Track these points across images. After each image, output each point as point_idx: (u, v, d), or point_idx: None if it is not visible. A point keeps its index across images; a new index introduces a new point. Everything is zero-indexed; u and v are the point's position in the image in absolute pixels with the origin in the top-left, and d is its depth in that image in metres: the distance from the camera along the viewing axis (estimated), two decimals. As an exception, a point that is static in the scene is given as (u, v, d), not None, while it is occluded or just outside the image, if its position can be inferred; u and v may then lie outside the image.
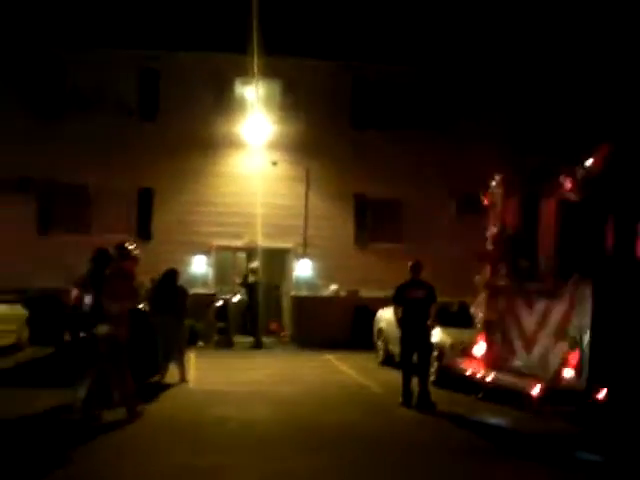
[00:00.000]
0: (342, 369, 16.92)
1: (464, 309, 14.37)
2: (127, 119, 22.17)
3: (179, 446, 9.05)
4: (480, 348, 11.87)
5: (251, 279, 21.64)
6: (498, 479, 7.98)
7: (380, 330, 17.62)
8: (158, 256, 18.62)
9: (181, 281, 15.29)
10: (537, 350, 10.24)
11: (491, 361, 11.49)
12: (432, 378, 13.29)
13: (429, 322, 12.40)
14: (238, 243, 22.32)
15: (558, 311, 9.69)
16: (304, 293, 22.58)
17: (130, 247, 10.81)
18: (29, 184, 21.48)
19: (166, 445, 9.11)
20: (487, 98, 22.45)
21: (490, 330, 11.70)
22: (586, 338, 8.97)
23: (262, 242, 21.57)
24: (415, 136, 22.64)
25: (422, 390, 12.15)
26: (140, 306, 13.61)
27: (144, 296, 14.67)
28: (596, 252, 9.09)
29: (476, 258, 12.25)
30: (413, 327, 12.31)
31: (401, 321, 12.54)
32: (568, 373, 9.23)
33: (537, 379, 9.66)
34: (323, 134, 22.24)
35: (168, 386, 13.52)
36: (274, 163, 22.36)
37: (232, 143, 22.43)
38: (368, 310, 19.76)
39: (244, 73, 21.46)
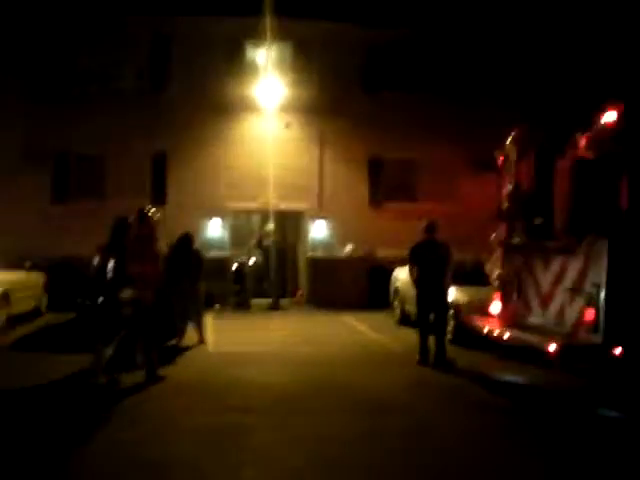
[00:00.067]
0: (360, 329, 17.01)
1: (479, 267, 14.36)
2: (140, 85, 22.14)
3: (199, 407, 9.18)
4: (496, 306, 11.90)
5: (266, 241, 21.73)
6: (516, 436, 8.03)
7: (396, 290, 17.70)
8: (173, 220, 18.61)
9: (196, 245, 15.37)
10: (553, 307, 10.25)
11: (507, 319, 11.52)
12: (449, 337, 13.37)
13: (445, 281, 12.45)
14: (253, 206, 22.34)
15: (574, 268, 9.68)
16: (319, 254, 22.65)
17: (150, 211, 10.93)
18: (44, 153, 21.56)
19: (186, 407, 9.23)
20: (500, 58, 22.23)
21: (506, 288, 11.72)
22: (602, 294, 8.98)
23: (277, 204, 21.61)
24: (429, 96, 22.53)
25: (439, 348, 12.23)
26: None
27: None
28: (611, 210, 9.07)
29: (491, 216, 12.24)
30: (429, 287, 12.35)
31: (417, 281, 12.58)
32: (584, 329, 9.26)
33: (553, 336, 9.68)
34: (336, 96, 22.17)
35: (186, 349, 13.66)
36: (287, 125, 22.34)
37: (245, 106, 22.38)
38: (383, 270, 19.82)
39: (256, 36, 21.39)
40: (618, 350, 8.72)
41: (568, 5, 21.01)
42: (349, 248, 22.37)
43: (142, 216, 10.84)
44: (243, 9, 20.22)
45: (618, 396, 9.35)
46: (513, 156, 11.67)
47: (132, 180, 21.80)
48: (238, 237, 23.21)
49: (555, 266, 10.25)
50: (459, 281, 13.79)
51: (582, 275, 9.48)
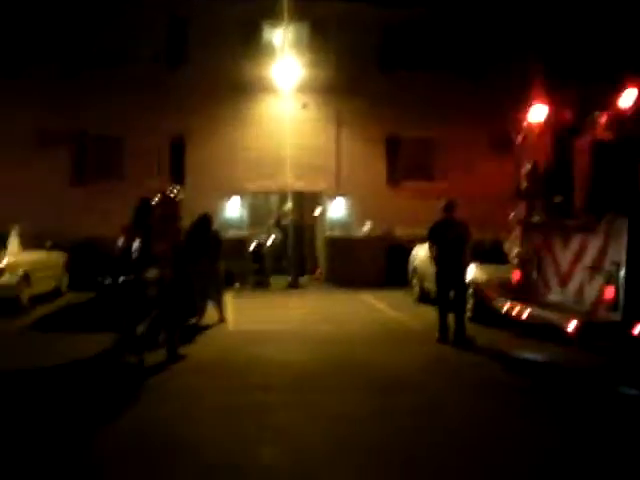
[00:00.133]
0: (378, 307, 17.06)
1: (498, 246, 14.34)
2: (157, 67, 22.17)
3: (220, 386, 9.27)
4: (515, 284, 11.91)
5: (285, 220, 21.81)
6: (534, 414, 8.05)
7: (415, 268, 17.71)
8: (191, 201, 18.61)
9: (215, 225, 15.44)
10: (572, 285, 10.25)
11: (526, 297, 11.52)
12: (468, 314, 13.39)
13: (464, 259, 12.46)
14: (271, 186, 22.39)
15: (593, 246, 9.68)
16: (337, 233, 22.70)
17: (174, 191, 11.03)
18: (62, 134, 21.67)
19: (207, 385, 9.32)
20: (518, 36, 22.06)
21: (525, 266, 11.72)
22: (622, 272, 8.97)
23: (294, 184, 21.65)
24: (446, 75, 22.47)
25: (458, 326, 12.27)
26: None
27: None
28: (631, 188, 9.05)
29: (510, 195, 12.22)
30: (448, 265, 12.36)
31: (436, 259, 12.60)
32: (604, 307, 9.26)
33: (573, 314, 9.69)
34: (353, 75, 22.17)
35: (206, 327, 13.73)
36: (304, 106, 22.36)
37: (262, 87, 22.41)
38: (402, 248, 19.84)
39: (272, 17, 21.43)
40: (638, 328, 8.73)
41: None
42: (367, 226, 22.40)
43: (166, 196, 10.94)
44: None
45: (638, 374, 9.35)
46: (532, 135, 11.64)
47: (150, 161, 21.94)
48: (256, 217, 23.31)
49: (574, 244, 10.25)
50: (478, 259, 13.81)
51: (601, 253, 9.47)
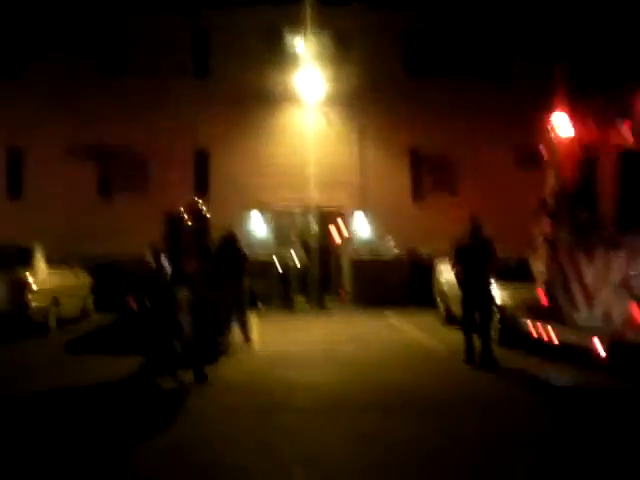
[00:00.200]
0: (404, 328, 17.00)
1: (523, 264, 14.21)
2: (181, 80, 22.30)
3: (246, 407, 9.22)
4: (541, 303, 11.80)
5: (309, 240, 21.80)
6: (561, 436, 7.95)
7: (440, 289, 17.60)
8: (215, 215, 18.79)
9: (240, 243, 15.40)
10: (600, 304, 10.15)
11: (553, 317, 11.41)
12: (495, 336, 13.26)
13: (489, 278, 12.34)
14: (295, 204, 22.39)
15: (620, 263, 9.58)
16: (362, 252, 22.65)
17: (202, 207, 10.90)
18: (89, 150, 21.84)
19: (233, 406, 9.28)
20: (547, 47, 21.95)
21: (551, 284, 11.63)
22: (650, 291, 8.88)
23: (318, 201, 21.65)
24: (470, 88, 22.41)
25: (484, 348, 12.13)
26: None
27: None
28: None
29: (535, 211, 12.14)
30: (474, 285, 12.25)
31: (461, 279, 12.50)
32: (632, 327, 9.13)
33: (600, 333, 9.57)
34: (376, 88, 22.16)
35: (232, 348, 13.64)
36: (327, 118, 22.36)
37: (285, 98, 22.54)
38: (426, 267, 19.74)
39: (295, 26, 21.55)
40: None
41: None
42: (390, 242, 22.32)
43: (195, 210, 10.82)
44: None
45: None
46: (558, 151, 11.57)
47: (175, 175, 22.03)
48: (280, 233, 23.27)
49: (601, 261, 10.14)
50: (503, 278, 13.64)
51: (628, 270, 9.36)
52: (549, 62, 21.40)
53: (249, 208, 22.43)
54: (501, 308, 13.72)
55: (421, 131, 22.42)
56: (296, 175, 21.91)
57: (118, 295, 15.54)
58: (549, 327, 11.07)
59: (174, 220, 10.84)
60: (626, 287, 9.39)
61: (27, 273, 15.56)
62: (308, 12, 20.56)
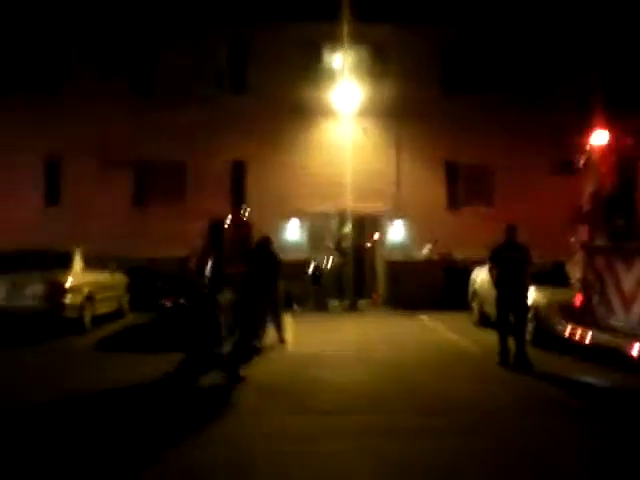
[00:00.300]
0: (437, 330, 17.00)
1: (559, 269, 14.19)
2: (219, 91, 22.49)
3: (280, 408, 9.30)
4: (577, 307, 11.79)
5: (344, 244, 21.88)
6: (595, 440, 7.94)
7: (475, 291, 17.60)
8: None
9: (275, 247, 15.51)
10: (636, 308, 10.14)
11: (589, 320, 11.41)
12: (529, 338, 13.23)
13: (525, 282, 12.36)
14: (330, 209, 22.47)
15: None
16: (397, 256, 22.68)
17: (246, 214, 11.04)
18: (125, 158, 22.10)
19: (267, 407, 9.36)
20: (579, 61, 21.89)
21: (587, 289, 11.62)
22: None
23: (354, 207, 21.74)
24: (506, 99, 22.39)
25: (519, 350, 12.14)
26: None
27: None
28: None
29: (571, 219, 12.14)
30: (509, 288, 12.28)
31: (497, 282, 12.53)
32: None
33: (637, 338, 9.56)
34: (412, 99, 22.18)
35: (266, 349, 13.77)
36: (364, 131, 22.45)
37: (322, 111, 22.58)
38: (461, 271, 19.75)
39: (332, 41, 21.73)
40: None
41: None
42: (427, 248, 22.39)
43: (239, 217, 10.96)
44: (319, 14, 20.41)
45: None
46: (594, 159, 11.57)
47: (212, 185, 22.25)
48: (316, 240, 23.39)
49: (637, 268, 10.13)
50: (538, 280, 13.64)
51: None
52: (584, 74, 21.48)
53: (285, 216, 22.52)
54: (535, 309, 13.72)
55: (457, 143, 22.40)
56: (333, 184, 21.94)
57: (152, 295, 15.76)
58: (584, 329, 11.05)
59: (217, 226, 11.02)
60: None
61: (63, 274, 15.86)
62: (345, 27, 20.65)
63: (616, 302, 10.72)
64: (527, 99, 22.37)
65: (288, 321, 16.85)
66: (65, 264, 16.25)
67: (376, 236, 23.27)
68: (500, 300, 12.46)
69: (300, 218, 22.84)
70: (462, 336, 15.58)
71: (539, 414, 9.06)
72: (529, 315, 13.34)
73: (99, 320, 16.86)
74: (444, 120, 22.12)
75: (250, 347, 12.84)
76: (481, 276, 16.31)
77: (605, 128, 11.72)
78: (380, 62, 22.67)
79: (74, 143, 21.71)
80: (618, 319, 10.65)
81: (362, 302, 22.07)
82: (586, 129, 12.04)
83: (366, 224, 23.56)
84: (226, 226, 10.98)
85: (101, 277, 17.46)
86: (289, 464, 7.01)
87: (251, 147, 22.29)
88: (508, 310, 12.35)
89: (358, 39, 21.46)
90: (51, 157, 22.30)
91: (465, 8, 21.59)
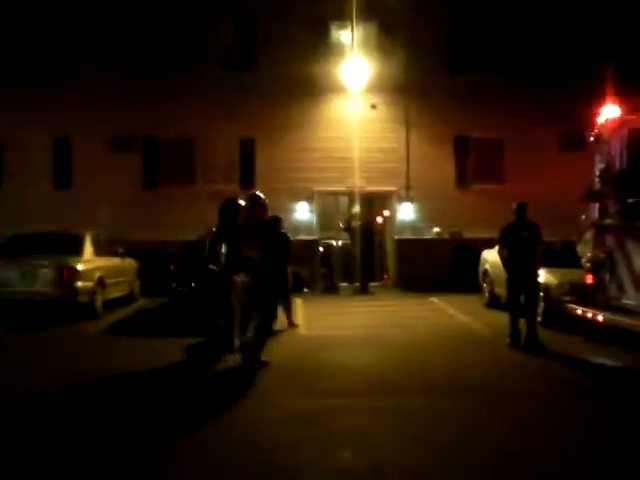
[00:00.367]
0: (448, 312, 16.97)
1: (569, 248, 14.13)
2: (226, 69, 22.41)
3: (291, 389, 9.35)
4: (588, 287, 11.76)
5: (354, 224, 21.82)
6: (607, 420, 7.93)
7: (485, 272, 17.57)
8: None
9: (284, 228, 15.48)
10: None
11: (600, 300, 11.37)
12: (539, 319, 13.20)
13: (535, 262, 12.31)
14: (340, 188, 22.40)
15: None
16: (407, 236, 22.65)
17: (261, 196, 11.00)
18: (134, 140, 22.07)
19: (278, 389, 9.41)
20: (588, 35, 21.67)
21: (598, 269, 11.58)
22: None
23: (364, 186, 21.68)
24: (516, 73, 22.21)
25: (530, 331, 12.12)
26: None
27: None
28: None
29: (583, 197, 12.07)
30: (519, 268, 12.22)
31: (507, 262, 12.47)
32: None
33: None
34: (421, 75, 22.02)
35: (277, 332, 13.68)
36: (373, 106, 22.36)
37: (331, 88, 22.43)
38: (471, 251, 19.68)
39: (340, 16, 21.57)
40: None
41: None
42: (436, 230, 22.36)
43: (254, 200, 10.92)
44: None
45: None
46: (606, 135, 11.48)
47: (220, 164, 22.29)
48: (325, 220, 23.35)
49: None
50: (549, 263, 13.58)
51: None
52: (595, 49, 21.28)
53: (294, 194, 22.45)
54: (546, 289, 13.68)
55: (466, 119, 22.20)
56: (342, 161, 21.86)
57: (164, 280, 15.78)
58: (595, 309, 11.02)
59: (230, 206, 10.95)
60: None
61: (75, 259, 15.91)
62: (353, 3, 20.58)
63: (627, 281, 10.68)
64: (537, 74, 22.15)
65: (298, 304, 16.88)
66: (76, 249, 16.30)
67: (386, 213, 23.24)
68: (511, 281, 12.40)
69: (309, 198, 22.73)
70: (473, 318, 15.56)
71: (551, 395, 9.06)
72: (540, 295, 13.32)
73: (110, 305, 16.90)
74: (453, 96, 21.94)
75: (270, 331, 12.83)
76: (491, 256, 16.25)
77: (616, 103, 11.64)
78: (388, 38, 22.48)
79: (83, 125, 21.66)
80: (629, 298, 10.61)
81: (372, 284, 22.03)
82: (597, 104, 11.96)
83: (375, 203, 23.51)
84: (240, 206, 10.90)
85: (112, 261, 17.47)
86: (303, 446, 7.02)
87: (260, 125, 22.16)
88: (519, 291, 12.30)
89: (366, 15, 21.34)
90: (60, 140, 22.24)
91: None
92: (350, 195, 22.37)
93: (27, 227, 17.12)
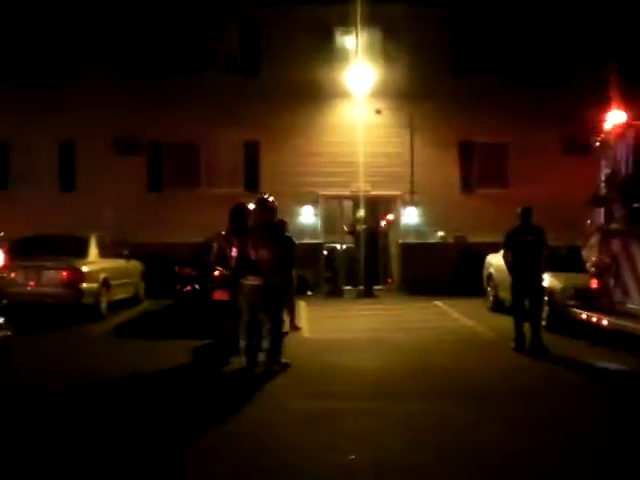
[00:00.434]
0: (452, 315, 16.97)
1: (574, 253, 14.13)
2: (231, 74, 22.44)
3: (296, 392, 9.38)
4: (593, 292, 11.75)
5: (358, 228, 21.83)
6: (611, 424, 7.93)
7: (490, 276, 17.56)
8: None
9: (289, 231, 15.48)
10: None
11: (604, 305, 11.37)
12: (544, 323, 13.20)
13: (540, 266, 12.30)
14: (345, 192, 22.43)
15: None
16: (411, 240, 22.65)
17: (270, 199, 11.02)
18: (139, 144, 22.11)
19: (283, 391, 9.44)
20: (592, 39, 21.66)
21: (603, 273, 11.58)
22: None
23: (368, 190, 21.69)
24: (519, 78, 22.21)
25: (534, 335, 12.11)
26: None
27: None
28: None
29: (589, 201, 12.07)
30: (524, 272, 12.23)
31: (512, 267, 12.47)
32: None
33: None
34: (425, 80, 22.02)
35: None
36: (378, 111, 22.36)
37: (335, 93, 22.44)
38: (475, 256, 19.67)
39: (344, 22, 21.57)
40: None
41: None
42: (440, 234, 22.36)
43: (263, 203, 10.93)
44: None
45: None
46: (611, 140, 11.49)
47: (225, 168, 22.32)
48: (330, 224, 23.34)
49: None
50: (554, 267, 13.57)
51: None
52: (599, 53, 21.24)
53: (299, 198, 22.45)
54: (550, 294, 13.67)
55: (470, 123, 22.18)
56: (346, 165, 21.86)
57: (169, 282, 15.79)
58: (600, 314, 11.02)
59: (239, 211, 11.02)
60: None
61: (80, 261, 15.95)
62: (357, 9, 20.62)
63: (632, 286, 10.68)
64: (542, 78, 22.15)
65: (302, 307, 16.90)
66: (81, 251, 16.36)
67: (390, 217, 23.25)
68: (515, 285, 12.41)
69: (314, 202, 22.74)
70: (477, 322, 15.56)
71: (556, 399, 9.07)
72: (544, 299, 13.32)
73: (115, 306, 16.92)
74: (457, 100, 21.92)
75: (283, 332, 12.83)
76: (496, 260, 16.26)
77: (621, 108, 11.65)
78: (392, 43, 22.51)
79: (88, 128, 21.70)
80: (634, 303, 10.61)
81: (376, 288, 22.02)
82: (601, 108, 11.97)
83: (380, 207, 23.52)
84: (249, 210, 10.94)
85: (117, 263, 17.52)
86: (309, 448, 7.04)
87: (264, 130, 22.19)
88: (523, 295, 12.31)
89: (370, 21, 21.34)
90: (65, 143, 22.29)
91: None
92: (355, 199, 22.37)
93: (33, 230, 17.14)
